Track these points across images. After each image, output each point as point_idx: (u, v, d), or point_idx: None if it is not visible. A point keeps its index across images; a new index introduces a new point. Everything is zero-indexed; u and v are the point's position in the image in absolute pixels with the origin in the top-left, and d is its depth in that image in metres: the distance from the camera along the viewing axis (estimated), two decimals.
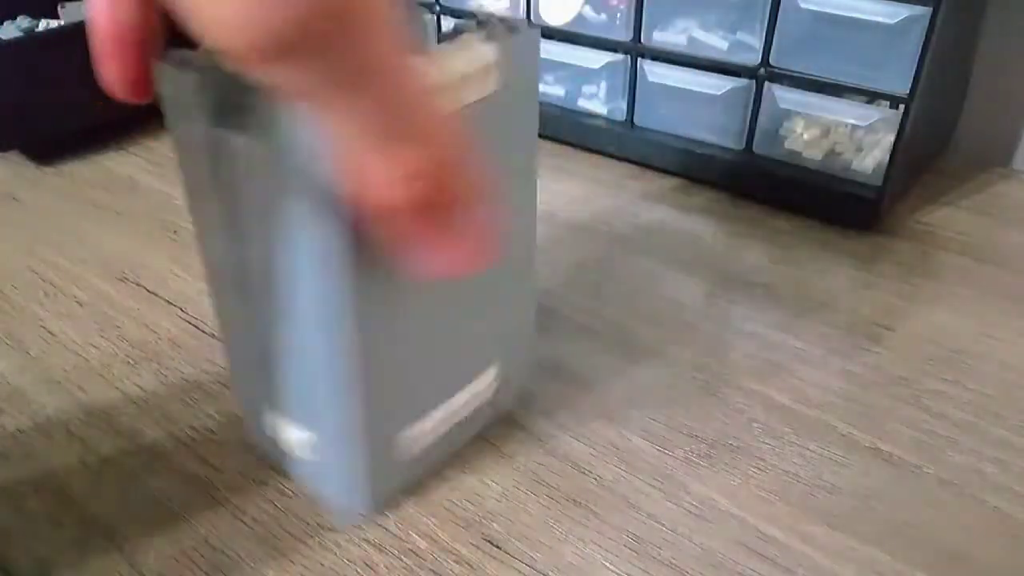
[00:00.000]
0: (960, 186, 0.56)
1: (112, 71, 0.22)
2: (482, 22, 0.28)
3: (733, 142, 0.54)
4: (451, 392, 0.32)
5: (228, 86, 0.23)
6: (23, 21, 0.61)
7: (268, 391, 0.30)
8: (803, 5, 0.47)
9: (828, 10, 0.46)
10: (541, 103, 0.60)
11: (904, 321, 0.42)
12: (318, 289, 0.25)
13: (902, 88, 0.46)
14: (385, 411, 0.29)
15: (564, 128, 0.61)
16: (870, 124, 0.50)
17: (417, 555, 0.30)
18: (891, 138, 0.47)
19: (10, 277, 0.45)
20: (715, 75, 0.53)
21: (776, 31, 0.48)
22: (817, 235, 0.50)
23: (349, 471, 0.30)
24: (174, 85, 0.24)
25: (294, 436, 0.31)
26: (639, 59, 0.55)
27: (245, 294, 0.28)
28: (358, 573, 0.29)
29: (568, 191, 0.55)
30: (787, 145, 0.52)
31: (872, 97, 0.48)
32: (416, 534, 0.30)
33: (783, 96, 0.51)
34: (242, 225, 0.26)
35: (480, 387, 0.33)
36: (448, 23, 0.26)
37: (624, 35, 0.55)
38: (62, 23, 0.61)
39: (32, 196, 0.54)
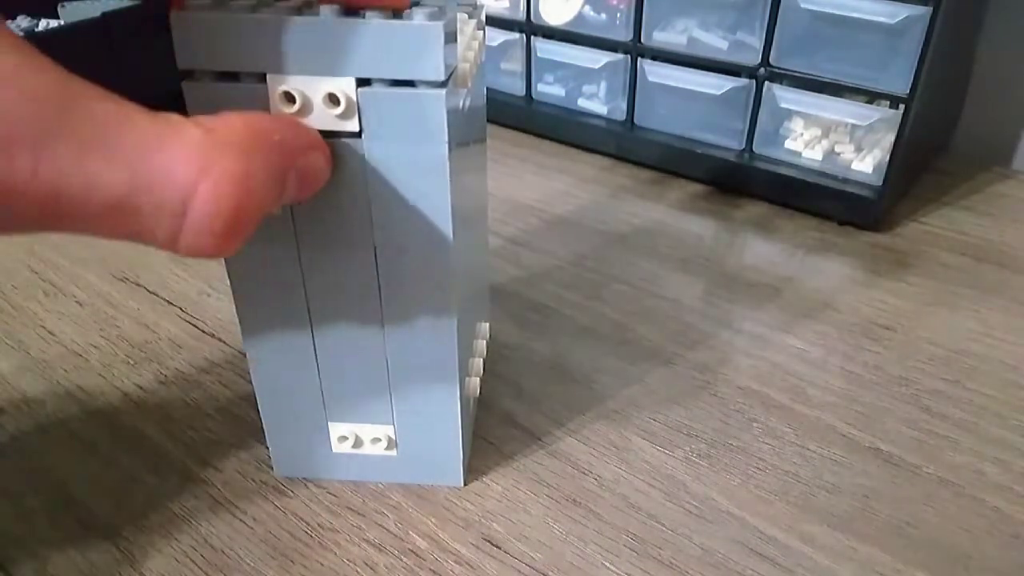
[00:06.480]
0: (960, 186, 0.56)
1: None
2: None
3: (733, 142, 0.54)
4: (477, 336, 0.36)
5: None
6: (23, 21, 0.61)
7: (333, 404, 0.30)
8: (803, 5, 0.47)
9: (828, 10, 0.46)
10: (541, 103, 0.61)
11: (904, 321, 0.42)
12: (426, 286, 0.27)
13: (902, 88, 0.46)
14: (463, 374, 0.30)
15: (564, 128, 0.61)
16: (870, 124, 0.50)
17: (417, 555, 0.30)
18: (891, 138, 0.47)
19: (10, 277, 0.45)
20: (715, 75, 0.53)
21: (776, 31, 0.48)
22: (817, 235, 0.50)
23: (444, 446, 0.31)
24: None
25: (372, 436, 0.31)
26: (639, 59, 0.55)
27: (311, 314, 0.28)
28: (358, 573, 0.29)
29: (568, 191, 0.55)
30: (787, 145, 0.52)
31: (872, 97, 0.48)
32: (416, 534, 0.30)
33: (783, 96, 0.51)
34: (324, 239, 0.26)
35: (484, 335, 0.37)
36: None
37: (624, 35, 0.55)
38: (62, 23, 0.61)
39: None
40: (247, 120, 0.20)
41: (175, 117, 0.19)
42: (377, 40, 0.22)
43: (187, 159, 0.18)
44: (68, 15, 0.62)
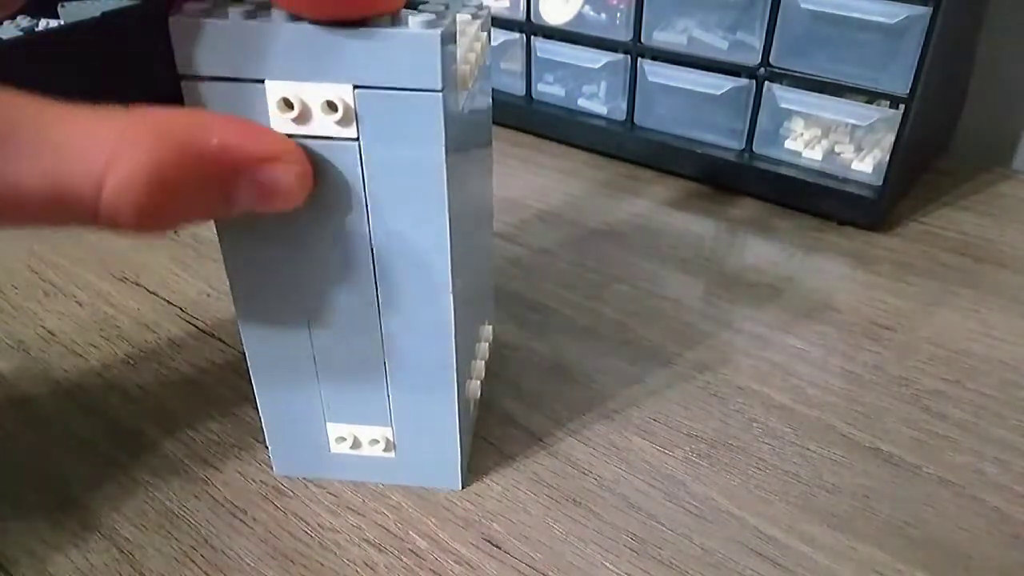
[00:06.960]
0: (960, 186, 0.56)
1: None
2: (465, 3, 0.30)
3: (733, 142, 0.54)
4: (480, 338, 0.35)
5: None
6: (23, 21, 0.61)
7: (331, 405, 0.30)
8: (803, 5, 0.47)
9: (828, 10, 0.46)
10: (541, 103, 0.61)
11: (904, 321, 0.42)
12: (424, 288, 0.27)
13: (902, 88, 0.46)
14: (463, 377, 0.30)
15: (564, 128, 0.61)
16: (870, 124, 0.50)
17: (417, 555, 0.30)
18: (891, 138, 0.48)
19: (10, 277, 0.45)
20: (715, 75, 0.53)
21: (776, 31, 0.48)
22: (817, 235, 0.50)
23: (442, 450, 0.31)
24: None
25: (370, 437, 0.31)
26: (639, 59, 0.55)
27: (309, 315, 0.28)
28: (358, 573, 0.29)
29: (567, 191, 0.55)
30: (787, 145, 0.52)
31: (872, 97, 0.49)
32: (416, 534, 0.30)
33: (783, 96, 0.51)
34: (322, 241, 0.26)
35: (487, 337, 0.36)
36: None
37: (624, 35, 0.55)
38: (62, 23, 0.61)
39: None
40: (185, 117, 0.21)
41: (109, 110, 0.19)
42: (374, 48, 0.22)
43: (98, 152, 0.19)
44: (68, 15, 0.62)
